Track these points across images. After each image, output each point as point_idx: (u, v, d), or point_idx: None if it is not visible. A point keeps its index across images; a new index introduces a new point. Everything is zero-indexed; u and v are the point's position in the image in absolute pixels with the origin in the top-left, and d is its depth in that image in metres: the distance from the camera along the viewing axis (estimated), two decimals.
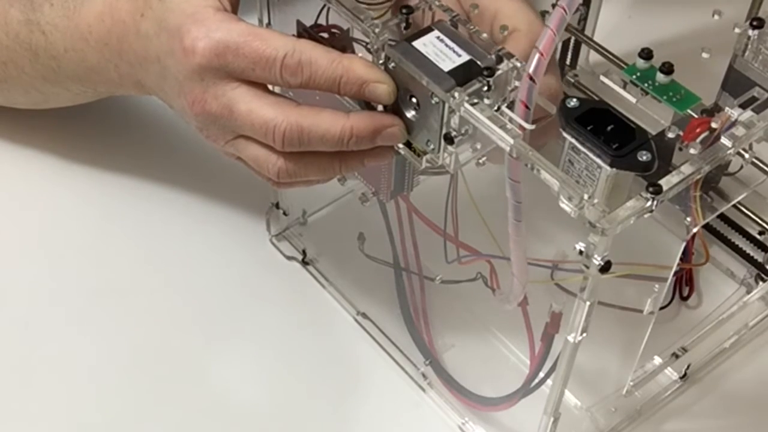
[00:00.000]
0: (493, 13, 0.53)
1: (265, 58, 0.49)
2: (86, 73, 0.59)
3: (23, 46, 0.60)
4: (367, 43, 0.49)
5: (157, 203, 0.66)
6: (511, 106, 0.46)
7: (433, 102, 0.46)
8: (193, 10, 0.51)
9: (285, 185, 0.54)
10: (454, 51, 0.47)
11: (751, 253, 0.64)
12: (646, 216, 0.43)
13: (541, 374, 0.52)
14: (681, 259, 0.51)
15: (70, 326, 0.60)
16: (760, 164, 0.54)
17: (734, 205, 0.59)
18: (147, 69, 0.55)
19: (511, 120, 0.45)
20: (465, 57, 0.47)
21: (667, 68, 0.47)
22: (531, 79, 0.43)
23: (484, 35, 0.48)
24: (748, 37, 0.51)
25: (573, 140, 0.44)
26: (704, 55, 0.49)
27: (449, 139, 0.47)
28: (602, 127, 0.44)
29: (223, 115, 0.51)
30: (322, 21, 0.52)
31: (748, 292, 0.63)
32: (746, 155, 0.47)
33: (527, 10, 0.53)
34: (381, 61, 0.48)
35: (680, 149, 0.45)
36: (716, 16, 0.51)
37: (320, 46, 0.50)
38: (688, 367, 0.59)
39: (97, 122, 0.69)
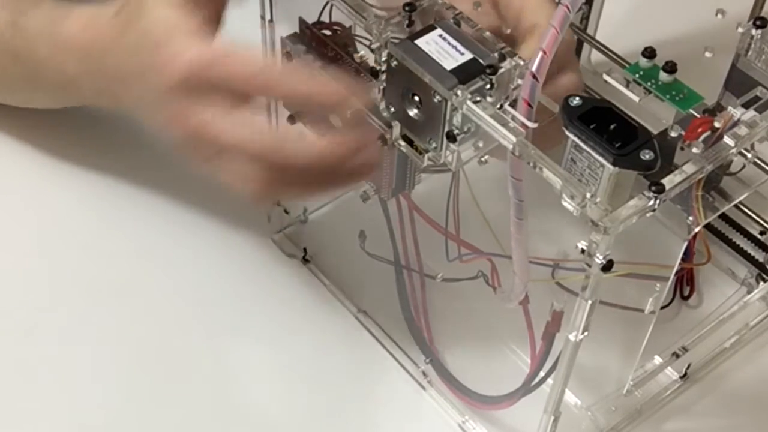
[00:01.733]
0: (519, 9, 0.53)
1: (239, 77, 0.50)
2: (64, 83, 0.59)
3: (7, 47, 0.60)
4: (370, 41, 0.49)
5: (157, 201, 0.66)
6: (513, 105, 0.46)
7: (435, 100, 0.46)
8: (172, 28, 0.51)
9: (266, 199, 0.54)
10: (457, 49, 0.47)
11: (752, 253, 0.64)
12: (648, 215, 0.43)
13: (542, 373, 0.52)
14: (682, 259, 0.51)
15: (70, 326, 0.60)
16: (762, 164, 0.54)
17: (736, 205, 0.59)
18: (127, 84, 0.55)
19: (513, 118, 0.45)
20: (468, 55, 0.47)
21: (670, 67, 0.47)
22: (534, 77, 0.43)
23: (488, 33, 0.48)
24: (752, 37, 0.51)
25: (576, 139, 0.44)
26: (707, 54, 0.48)
27: (452, 137, 0.47)
28: (605, 125, 0.44)
29: (200, 133, 0.51)
30: (324, 18, 0.52)
31: (749, 292, 0.63)
32: (748, 155, 0.47)
33: (550, 6, 0.53)
34: (383, 59, 0.48)
35: (682, 148, 0.45)
36: (719, 16, 0.51)
37: (294, 66, 0.51)
38: (688, 366, 0.59)
39: (98, 121, 0.69)
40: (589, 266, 0.43)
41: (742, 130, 0.45)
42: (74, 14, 0.58)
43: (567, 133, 0.44)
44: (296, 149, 0.50)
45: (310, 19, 0.52)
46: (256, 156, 0.50)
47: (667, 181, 0.43)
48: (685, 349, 0.59)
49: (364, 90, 0.49)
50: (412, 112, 0.49)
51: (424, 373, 0.59)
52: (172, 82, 0.51)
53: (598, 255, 0.42)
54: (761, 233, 0.64)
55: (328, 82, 0.49)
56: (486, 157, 0.49)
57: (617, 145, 0.43)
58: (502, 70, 0.46)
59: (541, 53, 0.43)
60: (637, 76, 0.47)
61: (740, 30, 0.51)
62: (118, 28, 0.54)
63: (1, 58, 0.61)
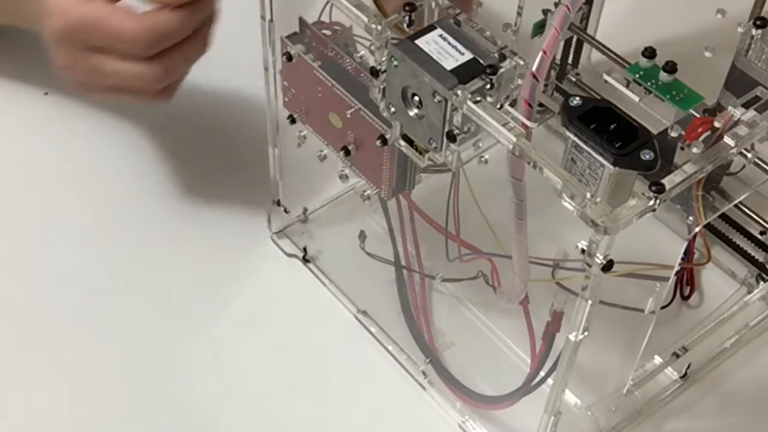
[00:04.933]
0: None
1: (111, 42, 0.56)
2: None
3: None
4: (370, 41, 0.49)
5: (157, 201, 0.66)
6: (513, 104, 0.46)
7: (435, 100, 0.46)
8: None
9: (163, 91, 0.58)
10: (457, 49, 0.47)
11: (752, 253, 0.64)
12: (648, 215, 0.43)
13: (542, 373, 0.52)
14: (682, 259, 0.51)
15: (70, 326, 0.60)
16: (762, 164, 0.54)
17: (736, 205, 0.60)
18: (29, 19, 0.60)
19: (513, 118, 0.45)
20: (468, 55, 0.47)
21: (670, 67, 0.47)
22: (534, 77, 0.43)
23: (488, 33, 0.48)
24: (752, 37, 0.51)
25: (576, 139, 0.44)
26: (707, 54, 0.48)
27: (452, 137, 0.47)
28: (605, 125, 0.44)
29: (90, 79, 0.58)
30: (324, 18, 0.52)
31: (749, 292, 0.63)
32: (748, 155, 0.47)
33: None
34: (383, 59, 0.48)
35: (683, 148, 0.45)
36: (719, 15, 0.51)
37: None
38: (688, 366, 0.59)
39: (98, 119, 0.69)
40: (589, 266, 0.43)
41: (742, 130, 0.45)
42: None
43: (567, 133, 0.44)
44: (169, 20, 0.55)
45: (310, 19, 0.52)
46: (139, 40, 0.55)
47: (667, 181, 0.43)
48: (685, 349, 0.59)
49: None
50: (412, 112, 0.49)
51: (424, 373, 0.59)
52: (52, 36, 0.56)
53: (598, 255, 0.42)
54: (761, 233, 0.64)
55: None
56: (486, 156, 0.49)
57: (617, 145, 0.43)
58: (502, 70, 0.46)
59: (541, 53, 0.43)
60: (637, 76, 0.47)
61: (740, 30, 0.51)
62: None
63: None
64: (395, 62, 0.47)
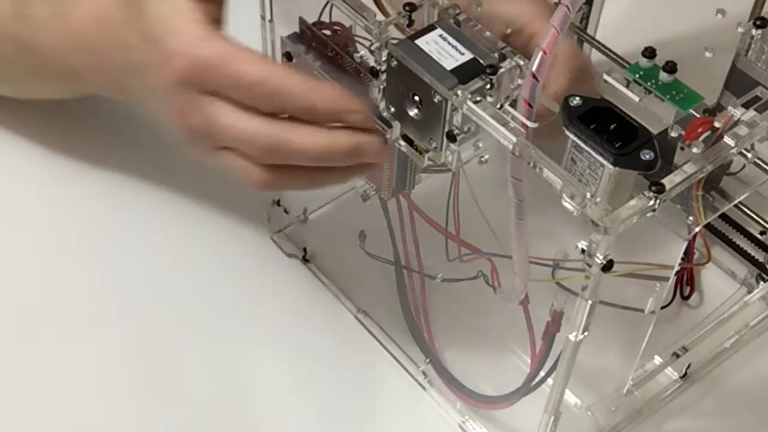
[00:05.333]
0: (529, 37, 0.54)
1: (240, 83, 0.49)
2: (70, 73, 0.59)
3: (10, 37, 0.60)
4: (370, 41, 0.49)
5: (157, 201, 0.66)
6: (514, 104, 0.46)
7: (435, 100, 0.46)
8: (174, 23, 0.51)
9: (270, 191, 0.53)
10: (457, 49, 0.47)
11: (753, 253, 0.64)
12: (648, 215, 0.43)
13: (542, 373, 0.52)
14: (682, 259, 0.51)
15: (70, 326, 0.60)
16: (762, 164, 0.54)
17: (736, 205, 0.59)
18: (132, 78, 0.55)
19: (513, 118, 0.45)
20: (468, 55, 0.47)
21: (670, 67, 0.47)
22: (534, 77, 0.43)
23: (488, 33, 0.48)
24: (752, 37, 0.51)
25: (576, 139, 0.44)
26: (707, 54, 0.48)
27: (452, 137, 0.47)
28: (605, 125, 0.44)
29: (205, 128, 0.51)
30: (324, 18, 0.52)
31: (749, 292, 0.63)
32: (748, 155, 0.47)
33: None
34: (383, 59, 0.48)
35: (683, 148, 0.45)
36: (719, 15, 0.51)
37: (296, 74, 0.50)
38: (688, 366, 0.59)
39: (98, 119, 0.69)
40: (589, 266, 0.43)
41: (742, 130, 0.45)
42: (80, 4, 0.57)
43: (567, 133, 0.44)
44: (302, 143, 0.50)
45: (310, 19, 0.52)
46: (261, 151, 0.50)
47: (668, 181, 0.43)
48: (685, 349, 0.59)
49: (365, 100, 0.49)
50: (412, 112, 0.49)
51: (424, 373, 0.59)
52: (171, 82, 0.51)
53: (598, 255, 0.42)
54: (761, 233, 0.64)
55: (332, 90, 0.49)
56: (486, 156, 0.49)
57: (617, 145, 0.43)
58: (502, 70, 0.46)
59: (541, 53, 0.43)
60: (637, 76, 0.47)
61: (740, 30, 0.51)
62: (124, 19, 0.54)
63: (4, 48, 0.61)
64: (395, 62, 0.47)
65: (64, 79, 0.61)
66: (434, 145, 0.48)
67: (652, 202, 0.42)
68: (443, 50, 0.47)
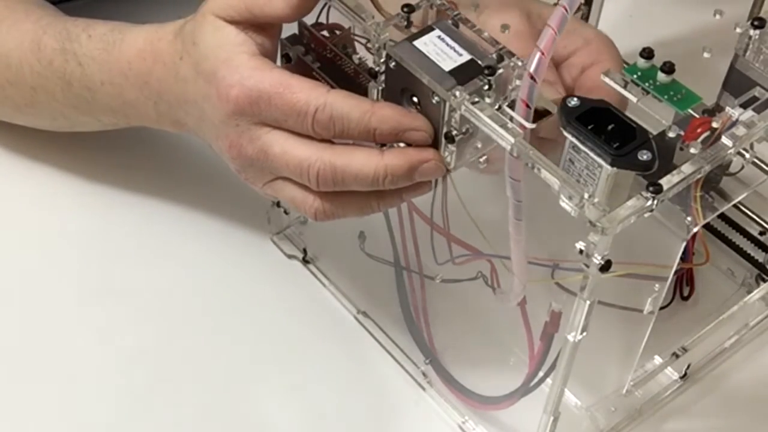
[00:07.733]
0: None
1: (297, 112, 0.49)
2: (122, 107, 0.59)
3: (56, 74, 0.59)
4: (368, 42, 0.49)
5: (157, 203, 0.66)
6: (512, 105, 0.46)
7: (434, 101, 0.46)
8: (227, 55, 0.50)
9: (328, 220, 0.53)
10: (455, 50, 0.47)
11: (752, 253, 0.64)
12: (646, 215, 0.43)
13: (541, 373, 0.52)
14: (681, 259, 0.51)
15: (70, 328, 0.60)
16: (761, 164, 0.54)
17: (735, 205, 0.60)
18: (186, 111, 0.55)
19: (512, 119, 0.45)
20: (466, 56, 0.47)
21: (668, 68, 0.47)
22: (532, 78, 0.43)
23: (486, 34, 0.48)
24: (750, 37, 0.51)
25: (573, 139, 0.44)
26: (705, 54, 0.49)
27: (450, 138, 0.47)
28: (603, 126, 0.44)
29: (259, 158, 0.51)
30: (323, 20, 0.52)
31: (749, 292, 0.63)
32: (747, 155, 0.47)
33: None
34: (382, 60, 0.48)
35: (681, 149, 0.45)
36: (717, 16, 0.51)
37: (352, 97, 0.49)
38: (688, 366, 0.59)
39: None
40: (587, 267, 0.43)
41: (741, 131, 0.45)
42: (130, 38, 0.56)
43: (565, 133, 0.44)
44: (359, 167, 0.49)
45: (309, 21, 0.52)
46: (318, 179, 0.50)
47: (666, 182, 0.43)
48: (684, 350, 0.59)
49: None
50: None
51: (424, 374, 0.59)
52: (225, 114, 0.51)
53: (596, 255, 0.42)
54: (761, 233, 0.64)
55: (391, 110, 0.48)
56: (485, 158, 0.49)
57: (615, 146, 0.43)
58: (500, 71, 0.46)
59: (539, 54, 0.43)
60: (635, 76, 0.47)
61: (738, 30, 0.51)
62: (176, 53, 0.53)
63: (50, 86, 0.60)
64: (393, 63, 0.47)
65: (113, 113, 0.60)
66: None
67: (649, 203, 0.43)
68: (441, 51, 0.47)
